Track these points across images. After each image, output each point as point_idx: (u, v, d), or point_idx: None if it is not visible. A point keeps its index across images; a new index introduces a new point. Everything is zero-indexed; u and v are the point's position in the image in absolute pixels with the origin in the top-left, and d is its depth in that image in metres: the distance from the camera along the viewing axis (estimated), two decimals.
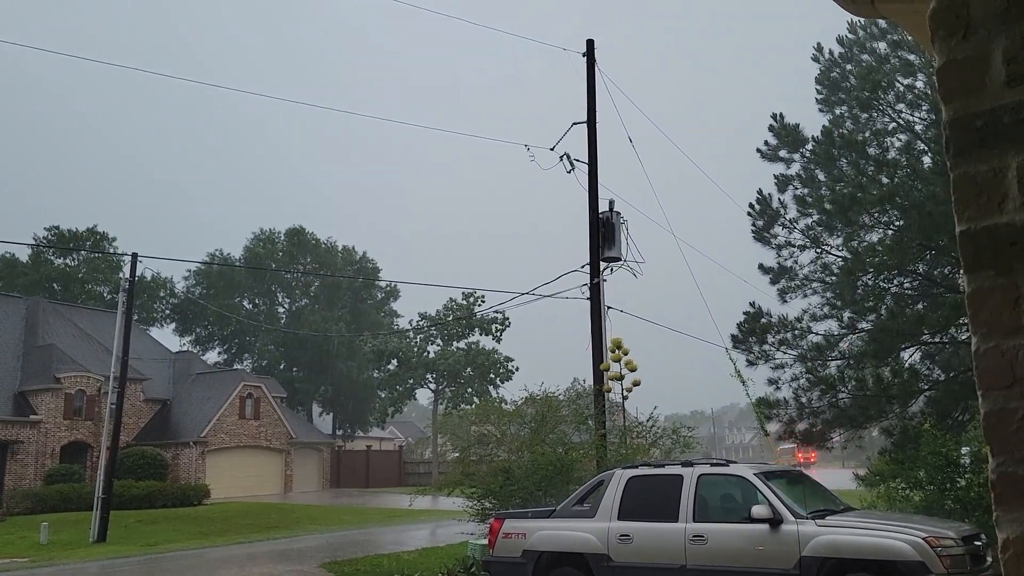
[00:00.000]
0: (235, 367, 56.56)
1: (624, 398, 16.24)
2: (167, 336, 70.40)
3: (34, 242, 56.56)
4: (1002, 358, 1.22)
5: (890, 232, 18.45)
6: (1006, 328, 1.22)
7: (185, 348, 57.59)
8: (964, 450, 13.89)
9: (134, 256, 25.55)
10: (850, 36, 19.54)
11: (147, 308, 58.20)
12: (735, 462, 11.11)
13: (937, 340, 18.91)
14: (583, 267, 17.83)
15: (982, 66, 1.28)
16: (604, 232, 17.85)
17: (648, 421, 16.58)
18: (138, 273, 27.06)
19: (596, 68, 18.64)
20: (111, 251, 57.24)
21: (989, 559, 8.83)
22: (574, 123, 18.54)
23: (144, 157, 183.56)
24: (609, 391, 16.60)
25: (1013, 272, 1.22)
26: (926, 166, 17.99)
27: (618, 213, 18.20)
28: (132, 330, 27.18)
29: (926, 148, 18.31)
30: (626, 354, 16.35)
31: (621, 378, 16.25)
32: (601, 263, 17.71)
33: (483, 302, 50.75)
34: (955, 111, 1.30)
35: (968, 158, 1.29)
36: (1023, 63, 1.24)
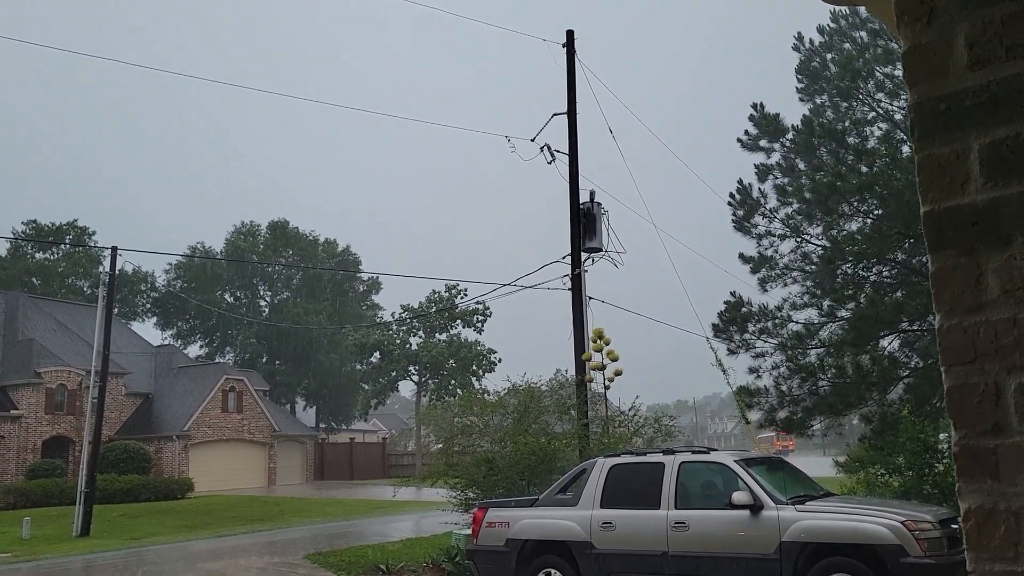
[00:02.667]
0: (217, 360, 56.30)
1: (606, 388, 16.32)
2: (148, 330, 69.95)
3: (12, 236, 56.03)
4: (964, 335, 1.26)
5: (869, 221, 18.62)
6: (968, 306, 1.26)
7: (167, 342, 57.30)
8: (942, 436, 14.06)
9: (114, 250, 25.36)
10: (831, 25, 19.64)
11: (128, 302, 57.80)
12: (716, 450, 11.21)
13: (915, 328, 19.12)
14: (564, 258, 17.89)
15: (945, 50, 1.32)
16: (585, 223, 17.90)
17: (630, 410, 16.66)
18: (118, 267, 26.89)
19: (576, 59, 18.66)
20: (91, 245, 56.77)
21: None
22: (554, 114, 18.56)
23: (122, 151, 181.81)
24: (591, 381, 16.68)
25: (975, 252, 1.26)
26: (905, 155, 18.14)
27: (599, 204, 18.25)
28: (113, 324, 26.98)
29: (905, 137, 18.46)
30: (608, 344, 16.42)
31: (603, 368, 16.32)
32: (582, 254, 17.77)
33: (465, 294, 50.80)
34: (919, 95, 1.34)
35: (932, 141, 1.32)
36: (985, 47, 1.28)
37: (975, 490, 1.23)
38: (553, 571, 10.26)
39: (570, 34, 18.60)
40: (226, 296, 63.68)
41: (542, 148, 18.13)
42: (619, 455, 10.94)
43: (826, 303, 18.86)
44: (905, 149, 18.49)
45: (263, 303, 65.52)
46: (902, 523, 8.35)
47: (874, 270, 19.28)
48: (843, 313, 18.67)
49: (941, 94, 1.31)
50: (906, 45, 1.36)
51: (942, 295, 1.29)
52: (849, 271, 19.08)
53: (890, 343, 19.38)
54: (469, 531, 13.66)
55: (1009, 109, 1.25)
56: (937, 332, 1.29)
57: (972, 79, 1.29)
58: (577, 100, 18.25)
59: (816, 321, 19.14)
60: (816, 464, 27.91)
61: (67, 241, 57.00)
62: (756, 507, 9.05)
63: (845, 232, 19.00)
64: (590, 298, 17.41)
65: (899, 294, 18.90)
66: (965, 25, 1.30)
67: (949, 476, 12.72)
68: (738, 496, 9.14)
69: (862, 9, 19.52)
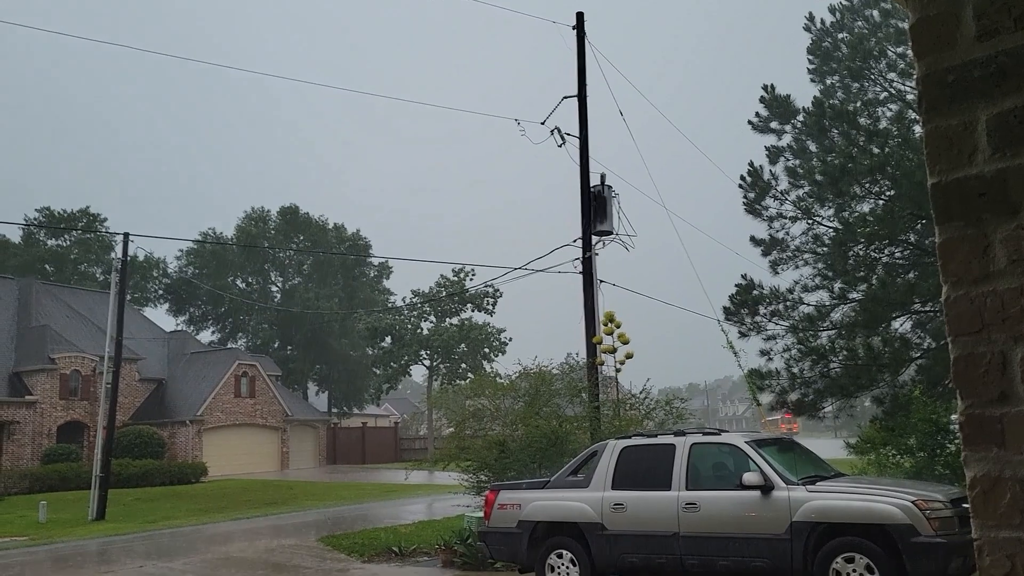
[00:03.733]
0: (229, 346, 56.60)
1: (617, 371, 16.33)
2: (161, 316, 70.44)
3: (25, 223, 56.33)
4: (971, 305, 1.27)
5: (881, 202, 18.51)
6: (975, 276, 1.27)
7: (179, 328, 57.61)
8: (953, 416, 14.03)
9: (126, 236, 25.47)
10: (843, 3, 19.46)
11: (140, 288, 58.11)
12: (727, 431, 11.23)
13: (927, 309, 19.04)
14: (575, 241, 17.87)
15: (953, 22, 1.32)
16: (596, 206, 17.87)
17: (641, 393, 16.69)
18: (130, 253, 27.01)
19: (586, 41, 18.56)
20: (103, 232, 57.03)
21: None
22: (565, 97, 18.50)
23: (134, 137, 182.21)
24: (602, 364, 16.70)
25: (982, 222, 1.27)
26: (917, 135, 18.00)
27: (609, 187, 18.21)
28: (126, 310, 27.15)
29: (917, 117, 18.31)
30: (618, 327, 16.43)
31: (614, 351, 16.33)
32: (593, 237, 17.75)
33: (473, 276, 50.84)
34: (927, 67, 1.34)
35: (940, 112, 1.33)
36: (992, 18, 1.28)
37: (981, 458, 1.24)
38: (564, 552, 10.32)
39: (580, 16, 18.50)
40: (238, 282, 63.92)
41: (552, 131, 18.09)
42: (630, 437, 10.97)
43: (837, 285, 18.80)
44: (917, 129, 18.35)
45: (275, 288, 65.75)
46: (913, 503, 8.36)
47: (886, 251, 19.19)
48: (855, 295, 18.61)
49: (949, 66, 1.32)
50: (914, 17, 1.36)
51: (949, 266, 1.30)
52: (861, 253, 19.00)
53: (902, 324, 19.32)
54: (480, 514, 13.76)
55: (1017, 80, 1.25)
56: (944, 303, 1.30)
57: (980, 50, 1.29)
58: (587, 83, 18.18)
59: (827, 303, 19.08)
60: (827, 446, 27.89)
61: (79, 228, 57.28)
62: (767, 488, 9.07)
63: (857, 214, 18.90)
64: (601, 281, 17.41)
65: (911, 275, 18.81)
66: None
67: (961, 457, 12.71)
68: (749, 477, 9.16)
69: None
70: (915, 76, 1.36)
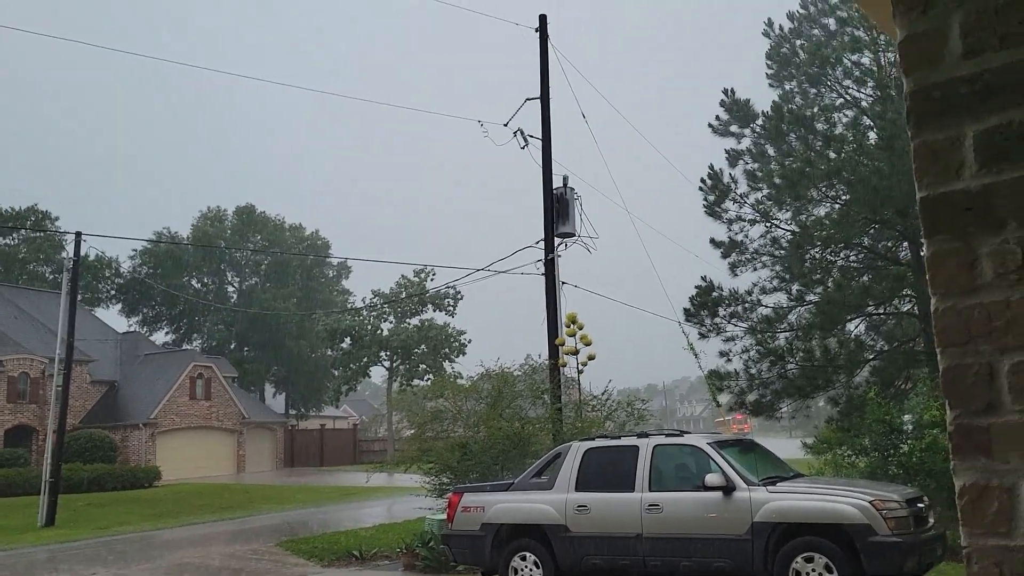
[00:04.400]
0: (184, 347, 55.73)
1: (580, 372, 16.42)
2: (113, 317, 68.96)
3: None
4: (958, 317, 1.29)
5: (837, 206, 18.86)
6: (962, 289, 1.29)
7: (132, 329, 56.56)
8: (906, 417, 14.34)
9: (78, 235, 24.94)
10: (801, 11, 19.79)
11: (92, 288, 56.90)
12: (690, 433, 11.34)
13: (881, 312, 19.44)
14: (538, 243, 17.92)
15: (940, 39, 1.34)
16: (558, 208, 17.94)
17: (603, 395, 16.79)
18: (82, 252, 26.43)
19: (549, 44, 18.63)
20: (53, 231, 55.74)
21: (931, 520, 9.18)
22: (527, 99, 18.54)
23: (85, 135, 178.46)
24: (564, 365, 16.76)
25: (968, 236, 1.30)
26: (871, 141, 18.37)
27: (572, 189, 18.30)
28: (77, 311, 26.58)
29: (871, 124, 18.69)
30: (581, 328, 16.51)
31: (576, 352, 16.41)
32: (556, 239, 17.81)
33: (433, 278, 50.72)
34: (915, 83, 1.37)
35: (927, 128, 1.35)
36: (979, 36, 1.31)
37: (969, 468, 1.27)
38: (528, 554, 10.34)
39: (543, 19, 18.56)
40: (193, 282, 62.98)
41: (515, 133, 18.12)
42: (594, 439, 11.02)
43: (795, 287, 19.10)
44: (872, 136, 18.72)
45: (231, 289, 64.90)
46: (870, 503, 8.53)
47: (841, 255, 19.56)
48: (811, 297, 18.92)
49: (936, 82, 1.34)
50: (902, 34, 1.39)
51: (937, 278, 1.32)
52: (817, 256, 19.33)
53: (856, 327, 19.70)
54: (442, 516, 13.71)
55: (1002, 97, 1.28)
56: (932, 314, 1.33)
57: (966, 68, 1.32)
58: (551, 85, 18.24)
59: (785, 305, 19.38)
60: (782, 446, 28.27)
61: (27, 226, 55.93)
62: (729, 489, 9.18)
63: (813, 217, 19.24)
64: (563, 283, 17.48)
65: (865, 278, 19.19)
66: (960, 14, 1.33)
67: (913, 456, 12.97)
68: (711, 478, 9.26)
69: None
70: (904, 91, 1.39)
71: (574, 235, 17.99)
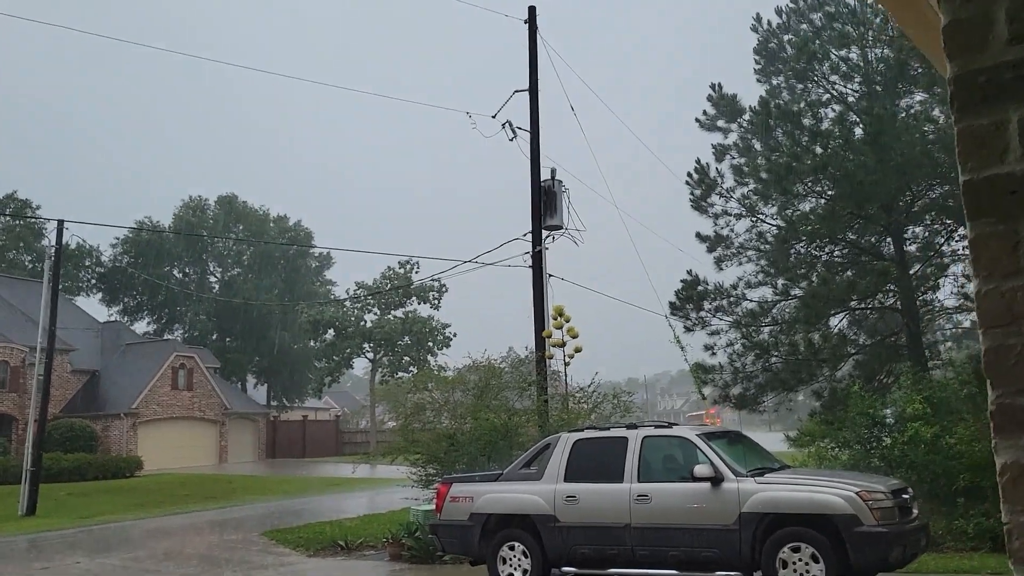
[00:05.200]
0: (166, 338, 55.34)
1: (566, 364, 16.45)
2: (93, 306, 68.30)
3: None
4: (1001, 299, 1.32)
5: (823, 201, 18.97)
6: (1005, 271, 1.32)
7: (113, 318, 56.07)
8: (888, 411, 14.48)
9: (60, 223, 24.69)
10: (789, 6, 19.87)
11: (72, 277, 56.32)
12: (678, 424, 11.41)
13: (864, 306, 19.60)
14: (525, 235, 17.93)
15: (985, 25, 1.36)
16: (546, 200, 17.94)
17: (590, 387, 16.84)
18: (64, 241, 26.15)
19: (538, 35, 18.61)
20: (34, 218, 55.11)
21: (916, 511, 9.29)
22: (516, 91, 18.51)
23: (68, 122, 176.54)
24: (551, 357, 16.80)
25: (1012, 219, 1.32)
26: (857, 137, 18.49)
27: (560, 182, 18.31)
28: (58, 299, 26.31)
29: (858, 119, 18.81)
30: (568, 321, 16.54)
31: (563, 345, 16.45)
32: (543, 231, 17.83)
33: (418, 270, 50.60)
34: (959, 68, 1.38)
35: (971, 112, 1.37)
36: None
37: (1011, 446, 1.29)
38: (517, 544, 10.37)
39: (532, 10, 18.53)
40: (175, 272, 62.49)
41: (504, 125, 18.10)
42: (583, 430, 11.06)
43: (780, 282, 19.23)
44: (858, 131, 18.84)
45: (213, 279, 64.45)
46: (857, 493, 8.62)
47: (826, 250, 19.69)
48: (796, 291, 19.04)
49: (981, 67, 1.36)
50: (946, 19, 1.40)
51: (980, 261, 1.34)
52: (802, 250, 19.46)
53: (840, 321, 19.85)
54: (427, 507, 13.73)
55: None
56: (975, 296, 1.35)
57: (1012, 53, 1.34)
58: (539, 78, 18.23)
59: (770, 299, 19.51)
60: (763, 439, 28.51)
61: (7, 213, 55.27)
62: (717, 480, 9.25)
63: (799, 212, 19.34)
64: (550, 275, 17.50)
65: (849, 273, 19.33)
66: (1006, 0, 1.35)
67: (895, 449, 13.11)
68: (700, 469, 9.32)
69: None
70: (947, 77, 1.40)
71: (562, 228, 18.01)
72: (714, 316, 19.55)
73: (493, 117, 18.54)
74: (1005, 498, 1.29)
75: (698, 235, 19.94)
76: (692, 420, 45.97)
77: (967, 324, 19.88)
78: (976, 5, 1.37)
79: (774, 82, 19.96)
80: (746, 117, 19.61)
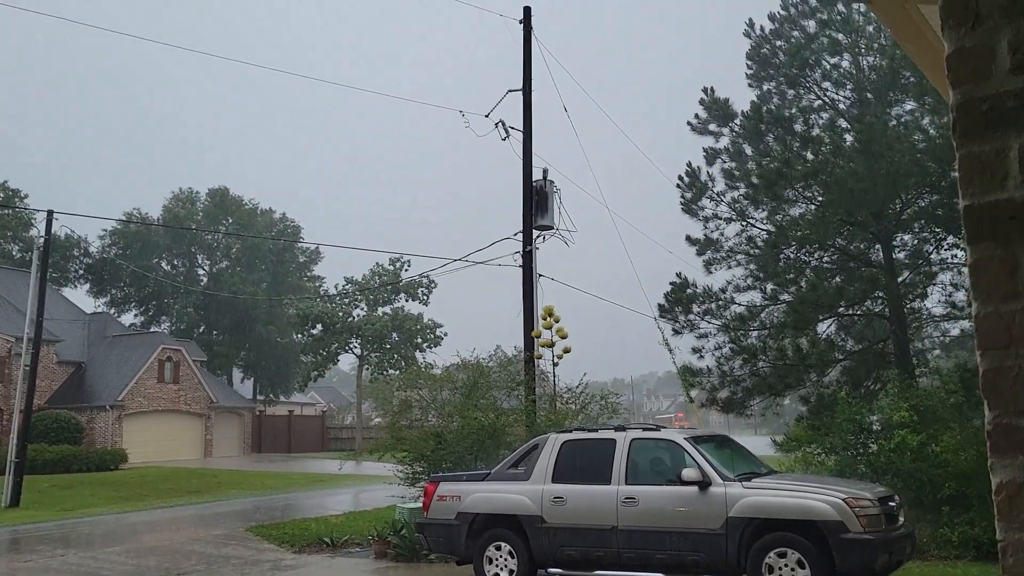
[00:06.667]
0: (153, 330, 55.06)
1: (555, 364, 16.48)
2: (81, 297, 68.08)
3: None
4: (1000, 321, 1.35)
5: (813, 207, 19.06)
6: (1004, 294, 1.35)
7: (100, 310, 55.76)
8: (875, 417, 14.58)
9: (49, 213, 24.54)
10: (781, 13, 19.95)
11: (60, 268, 55.95)
12: (666, 427, 11.46)
13: (851, 312, 19.71)
14: (516, 235, 17.96)
15: (989, 55, 1.40)
16: (537, 200, 17.97)
17: (578, 387, 16.89)
18: (52, 231, 26.01)
19: (532, 36, 18.63)
20: (22, 208, 54.72)
21: (902, 519, 9.36)
22: (509, 90, 18.53)
23: (58, 112, 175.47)
24: (540, 358, 16.83)
25: (1011, 243, 1.35)
26: (848, 144, 18.59)
27: (551, 182, 18.34)
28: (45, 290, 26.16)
29: (848, 126, 18.91)
30: (557, 321, 16.58)
31: (552, 345, 16.48)
32: (534, 231, 17.85)
33: (409, 267, 50.53)
34: (962, 95, 1.42)
35: (973, 139, 1.41)
36: None
37: (1007, 465, 1.32)
38: (503, 544, 10.40)
39: (527, 10, 18.55)
40: (163, 264, 62.19)
41: (496, 124, 18.13)
42: (571, 431, 11.10)
43: (769, 286, 19.30)
44: (848, 138, 18.95)
45: (201, 272, 64.17)
46: (843, 500, 8.68)
47: (816, 255, 19.78)
48: (785, 297, 19.12)
49: (983, 95, 1.40)
50: (950, 48, 1.44)
51: (979, 284, 1.38)
52: (792, 256, 19.54)
53: (828, 327, 19.95)
54: (414, 505, 13.75)
55: None
56: (973, 318, 1.38)
57: (1014, 83, 1.37)
58: (533, 78, 18.25)
59: (758, 303, 19.58)
60: (749, 443, 28.61)
61: None
62: (704, 483, 9.30)
63: (789, 217, 19.43)
64: (540, 275, 17.53)
65: (838, 279, 19.44)
66: (1009, 31, 1.38)
67: (882, 456, 13.21)
68: (688, 472, 9.37)
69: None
70: (950, 103, 1.44)
71: (553, 228, 18.05)
72: (703, 319, 19.62)
73: (486, 116, 18.58)
74: (1000, 516, 1.33)
75: (688, 238, 20.00)
76: (661, 422, 46.15)
77: (955, 333, 20.01)
78: (979, 35, 1.41)
79: (766, 87, 20.04)
80: (737, 121, 19.68)
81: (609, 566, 9.76)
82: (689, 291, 19.76)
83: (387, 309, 52.09)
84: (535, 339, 16.69)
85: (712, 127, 20.37)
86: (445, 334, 52.46)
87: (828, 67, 19.72)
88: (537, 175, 18.10)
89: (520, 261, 17.68)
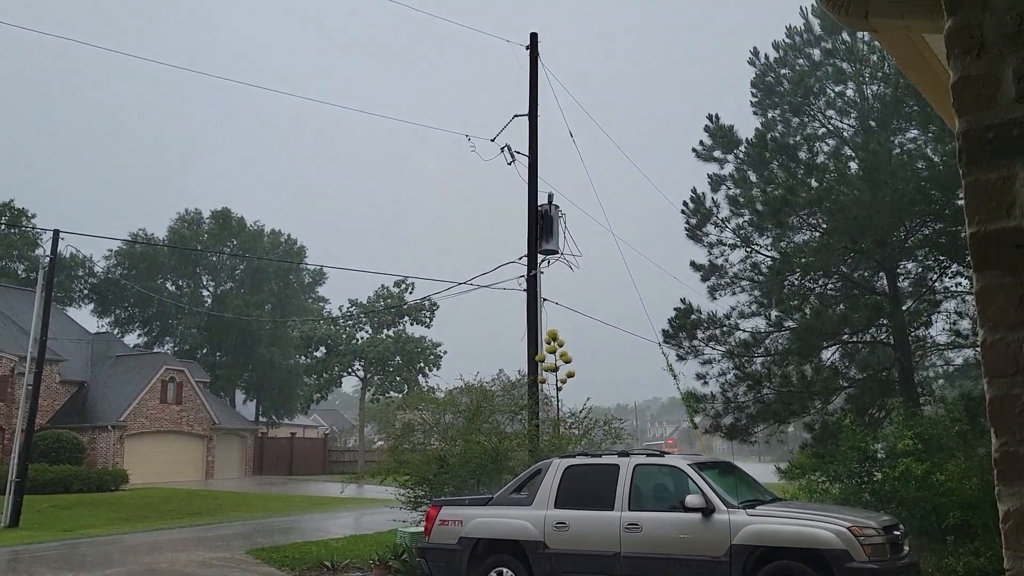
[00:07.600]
0: (156, 350, 55.07)
1: (558, 389, 16.44)
2: (84, 317, 68.19)
3: None
4: (1007, 349, 1.35)
5: (817, 234, 19.08)
6: (1011, 322, 1.35)
7: (104, 330, 55.82)
8: (879, 445, 14.49)
9: (56, 233, 24.65)
10: (786, 41, 20.08)
11: (64, 287, 56.12)
12: (670, 453, 11.40)
13: (856, 340, 19.66)
14: (521, 259, 17.98)
15: (994, 83, 1.41)
16: (542, 225, 18.02)
17: (582, 412, 16.83)
18: (57, 251, 26.10)
19: (539, 62, 18.76)
20: (28, 227, 54.97)
21: (907, 548, 9.28)
22: (515, 115, 18.64)
23: (66, 132, 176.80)
24: (544, 382, 16.78)
25: (1018, 271, 1.35)
26: (852, 171, 18.65)
27: (556, 206, 18.40)
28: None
29: (853, 154, 18.97)
30: (561, 346, 16.56)
31: (555, 369, 16.45)
32: (539, 255, 17.88)
33: (412, 290, 50.60)
34: (968, 123, 1.43)
35: (979, 167, 1.41)
36: None
37: (1014, 493, 1.32)
38: (505, 570, 10.32)
39: (534, 37, 18.70)
40: (168, 285, 62.32)
41: (502, 149, 18.21)
42: (574, 456, 11.05)
43: (773, 313, 19.27)
44: (853, 166, 19.01)
45: (205, 293, 64.28)
46: (848, 528, 8.61)
47: (820, 282, 19.77)
48: (789, 323, 19.09)
49: (989, 124, 1.41)
50: (955, 76, 1.45)
51: (987, 312, 1.38)
52: (796, 282, 19.52)
53: (832, 354, 19.89)
54: (415, 529, 13.67)
55: None
56: (980, 346, 1.38)
57: (1019, 111, 1.38)
58: (539, 103, 18.37)
59: (763, 330, 19.54)
60: (753, 470, 28.44)
61: (2, 222, 55.12)
62: (708, 510, 9.23)
63: (794, 244, 19.45)
64: (544, 299, 17.53)
65: (842, 307, 19.41)
66: (1014, 59, 1.39)
67: (887, 484, 13.12)
68: (691, 499, 9.31)
69: (816, 27, 19.92)
70: (956, 131, 1.45)
71: (557, 252, 18.08)
72: (707, 345, 19.58)
73: (492, 140, 18.67)
74: (1008, 544, 1.32)
75: (692, 264, 20.02)
76: (651, 447, 45.96)
77: (959, 361, 19.94)
78: (985, 63, 1.42)
79: (770, 115, 20.14)
80: (742, 148, 19.75)
81: None
82: (693, 317, 19.75)
83: (391, 332, 52.10)
84: (539, 363, 16.66)
85: (717, 154, 20.45)
86: (445, 352, 52.44)
87: (832, 95, 19.83)
88: (542, 200, 18.17)
89: (524, 285, 17.68)
